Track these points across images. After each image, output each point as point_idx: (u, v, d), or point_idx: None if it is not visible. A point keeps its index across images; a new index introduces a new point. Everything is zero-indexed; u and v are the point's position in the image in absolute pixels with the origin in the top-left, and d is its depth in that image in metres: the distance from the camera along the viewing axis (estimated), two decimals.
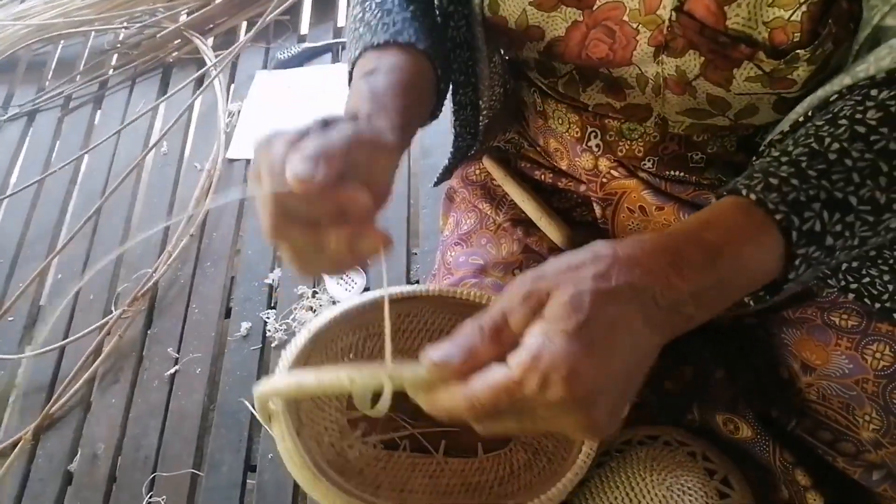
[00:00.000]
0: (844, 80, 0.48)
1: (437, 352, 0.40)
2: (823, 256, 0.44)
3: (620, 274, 0.40)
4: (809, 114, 0.51)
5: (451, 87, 0.68)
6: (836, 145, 0.44)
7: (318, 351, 0.57)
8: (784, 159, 0.45)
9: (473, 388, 0.38)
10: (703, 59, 0.54)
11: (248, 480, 1.17)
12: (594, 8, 0.56)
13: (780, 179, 0.44)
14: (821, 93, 0.50)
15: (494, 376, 0.38)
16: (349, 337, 0.60)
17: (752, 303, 0.48)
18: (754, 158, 0.55)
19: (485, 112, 0.73)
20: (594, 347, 0.37)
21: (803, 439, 0.64)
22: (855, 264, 0.59)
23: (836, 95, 0.49)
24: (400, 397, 0.43)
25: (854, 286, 0.59)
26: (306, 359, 0.55)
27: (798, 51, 0.49)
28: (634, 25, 0.55)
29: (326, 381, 0.42)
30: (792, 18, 0.49)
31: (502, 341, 0.40)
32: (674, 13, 0.52)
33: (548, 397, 0.37)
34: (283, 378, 0.46)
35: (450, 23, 0.62)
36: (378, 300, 0.59)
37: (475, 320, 0.41)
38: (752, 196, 0.43)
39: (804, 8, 0.48)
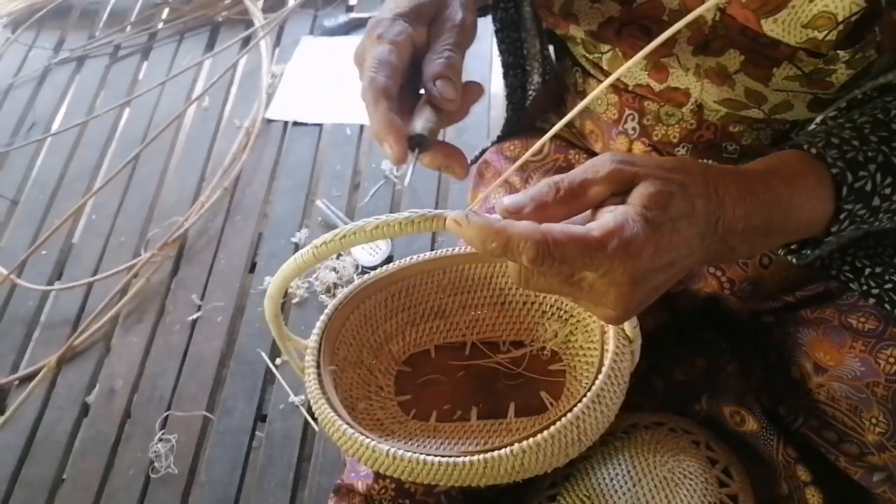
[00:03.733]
0: None
1: (510, 198, 0.42)
2: (867, 216, 0.47)
3: (703, 192, 0.42)
4: (868, 91, 0.53)
5: (502, 69, 0.71)
6: None
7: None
8: (848, 125, 0.48)
9: (553, 229, 0.39)
10: (743, 56, 0.54)
11: (257, 432, 1.19)
12: (633, 5, 0.57)
13: (842, 140, 0.47)
14: (882, 79, 0.52)
15: (576, 228, 0.39)
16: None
17: (794, 259, 0.51)
18: (817, 120, 0.57)
19: (530, 95, 0.75)
20: (661, 241, 0.40)
21: (808, 437, 0.64)
22: (879, 269, 0.59)
23: None
24: None
25: (876, 291, 0.59)
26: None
27: (838, 51, 0.50)
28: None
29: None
30: (827, 38, 0.49)
31: (575, 207, 0.42)
32: (718, 13, 0.53)
33: (614, 266, 0.39)
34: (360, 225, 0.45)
35: (500, 4, 0.64)
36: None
37: (551, 178, 0.42)
38: (813, 150, 0.46)
39: (840, 27, 0.49)
